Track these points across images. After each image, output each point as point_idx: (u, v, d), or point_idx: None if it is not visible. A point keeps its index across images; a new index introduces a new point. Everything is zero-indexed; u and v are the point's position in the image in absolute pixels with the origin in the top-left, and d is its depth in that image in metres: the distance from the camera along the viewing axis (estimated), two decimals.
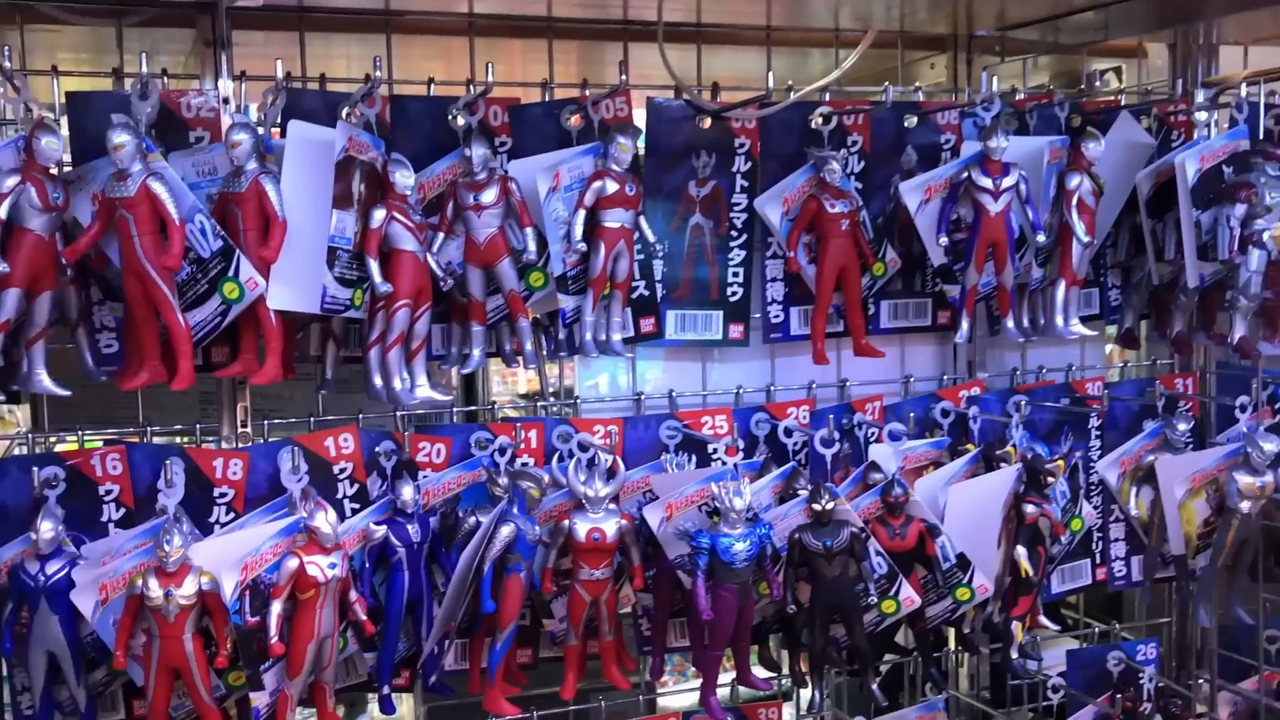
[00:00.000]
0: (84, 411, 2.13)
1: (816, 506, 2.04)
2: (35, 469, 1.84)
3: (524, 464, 2.09)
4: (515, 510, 1.98)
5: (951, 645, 2.53)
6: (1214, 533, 2.40)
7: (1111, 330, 2.58)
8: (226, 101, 1.91)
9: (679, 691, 2.58)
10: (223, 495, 1.94)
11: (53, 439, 2.02)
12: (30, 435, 1.95)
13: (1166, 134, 2.46)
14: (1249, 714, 2.59)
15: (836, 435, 2.17)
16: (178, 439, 2.09)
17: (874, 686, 2.13)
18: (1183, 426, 2.44)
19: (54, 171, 1.73)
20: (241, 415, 2.01)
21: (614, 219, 2.01)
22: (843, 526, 2.05)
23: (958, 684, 2.61)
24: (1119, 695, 2.46)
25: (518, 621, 2.01)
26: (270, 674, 1.83)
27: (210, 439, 2.02)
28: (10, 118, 1.82)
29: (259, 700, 1.82)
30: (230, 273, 1.76)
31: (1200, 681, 2.59)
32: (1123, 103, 2.50)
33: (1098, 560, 2.56)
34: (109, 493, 1.91)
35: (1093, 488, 2.52)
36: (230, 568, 1.76)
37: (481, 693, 2.09)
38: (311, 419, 2.06)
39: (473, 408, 2.37)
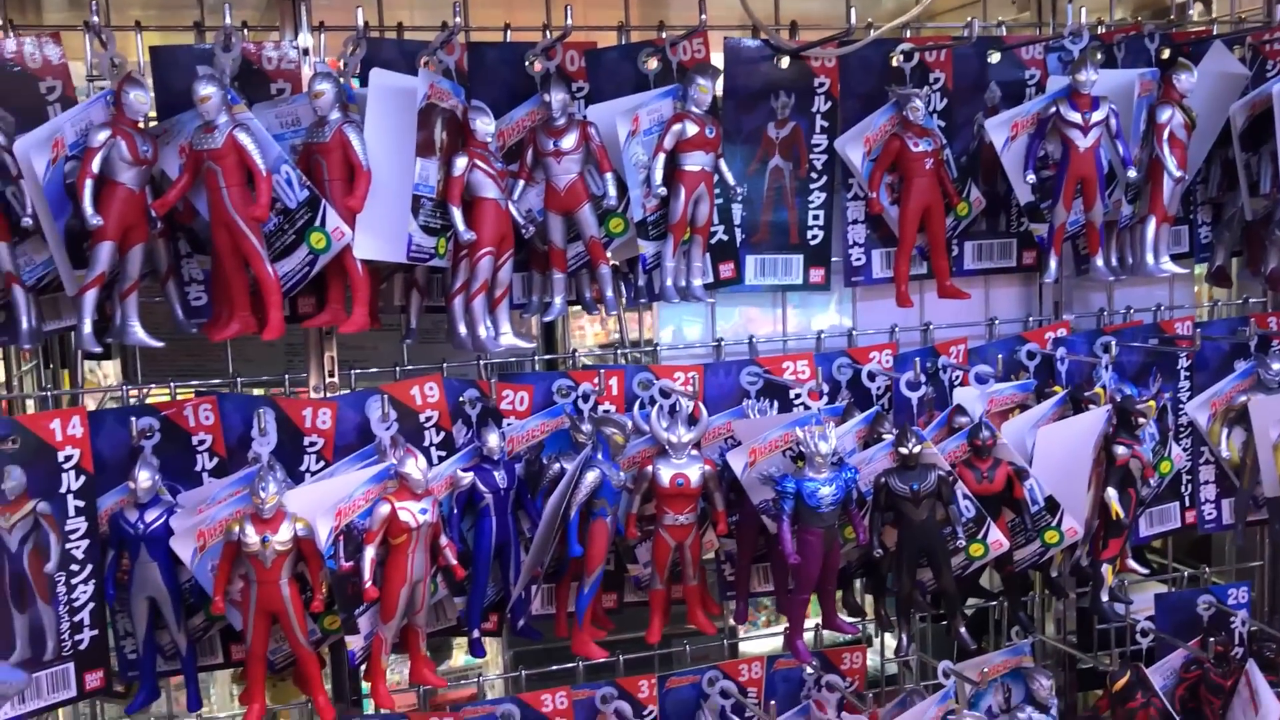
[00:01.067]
0: (171, 364, 2.17)
1: (903, 450, 2.02)
2: (132, 420, 1.88)
3: (605, 411, 2.09)
4: (600, 456, 1.98)
5: (1038, 589, 2.50)
6: None
7: (1202, 268, 2.52)
8: (306, 52, 1.91)
9: (760, 636, 2.58)
10: (312, 444, 1.97)
11: (146, 391, 2.05)
12: (124, 388, 1.98)
13: (1261, 64, 2.38)
14: None
15: (923, 378, 2.14)
16: (265, 390, 2.13)
17: (961, 630, 2.11)
18: (1277, 366, 2.37)
19: (141, 125, 1.74)
20: (329, 365, 2.03)
21: (694, 162, 1.99)
22: (930, 470, 2.03)
23: (1044, 628, 2.58)
24: (1210, 639, 2.42)
25: (604, 566, 2.01)
26: (364, 618, 1.85)
27: (298, 390, 2.05)
28: (97, 73, 1.82)
29: (354, 644, 1.85)
30: (317, 223, 1.77)
31: None
32: (1215, 32, 2.42)
33: (1187, 503, 2.52)
34: (202, 442, 1.94)
35: (1182, 429, 2.47)
36: (324, 514, 1.78)
37: (568, 636, 2.11)
38: (397, 368, 2.08)
39: (553, 356, 2.37)
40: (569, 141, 1.93)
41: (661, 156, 1.97)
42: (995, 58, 2.26)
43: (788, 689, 2.30)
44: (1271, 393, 2.37)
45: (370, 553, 1.81)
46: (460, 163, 1.84)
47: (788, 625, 2.13)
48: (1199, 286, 2.69)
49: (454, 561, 1.90)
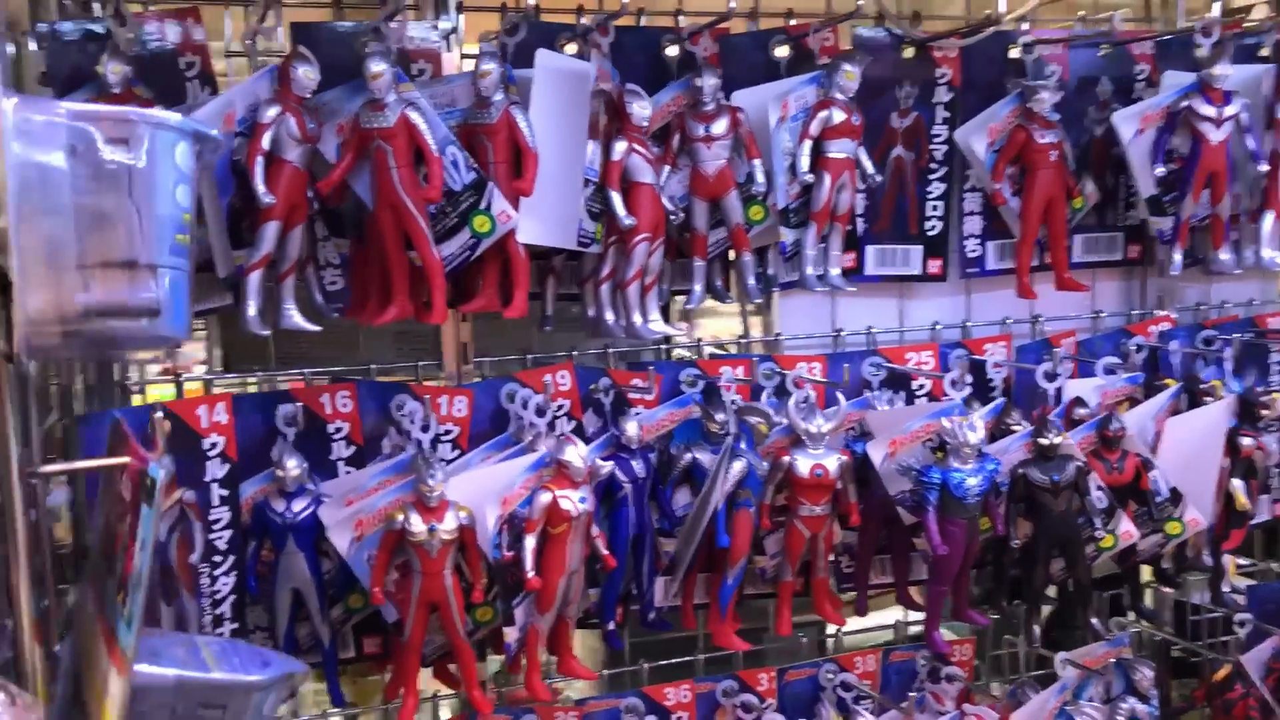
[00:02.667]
0: (261, 353, 2.11)
1: (1043, 441, 2.02)
2: (278, 407, 1.82)
3: (732, 402, 2.07)
4: (744, 446, 1.96)
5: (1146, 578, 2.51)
6: None
7: None
8: (454, 31, 1.87)
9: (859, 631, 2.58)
10: (448, 432, 1.93)
11: (277, 378, 2.00)
12: (259, 374, 1.93)
13: None
14: None
15: (1062, 370, 2.15)
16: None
17: (1094, 620, 2.12)
18: None
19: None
20: (463, 353, 1.99)
21: (839, 149, 1.97)
22: (1068, 461, 2.03)
23: (1138, 619, 2.60)
24: None
25: (748, 557, 1.99)
26: (519, 610, 1.82)
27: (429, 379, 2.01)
28: (256, 47, 1.77)
29: (511, 635, 1.81)
30: (482, 206, 1.73)
31: None
32: None
33: (1276, 496, 2.54)
34: (339, 431, 1.90)
35: (1271, 426, 2.49)
36: (491, 501, 1.74)
37: (694, 629, 2.09)
38: (529, 357, 2.04)
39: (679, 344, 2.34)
40: (720, 127, 1.91)
41: (808, 143, 1.95)
42: (1107, 52, 2.27)
43: (900, 681, 2.29)
44: None
45: (531, 542, 1.77)
46: (620, 147, 1.81)
47: (924, 618, 2.12)
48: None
49: (605, 551, 1.87)
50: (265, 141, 1.62)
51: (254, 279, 1.66)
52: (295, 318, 1.73)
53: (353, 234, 1.84)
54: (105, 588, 1.02)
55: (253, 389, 2.03)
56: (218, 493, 1.79)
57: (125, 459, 0.98)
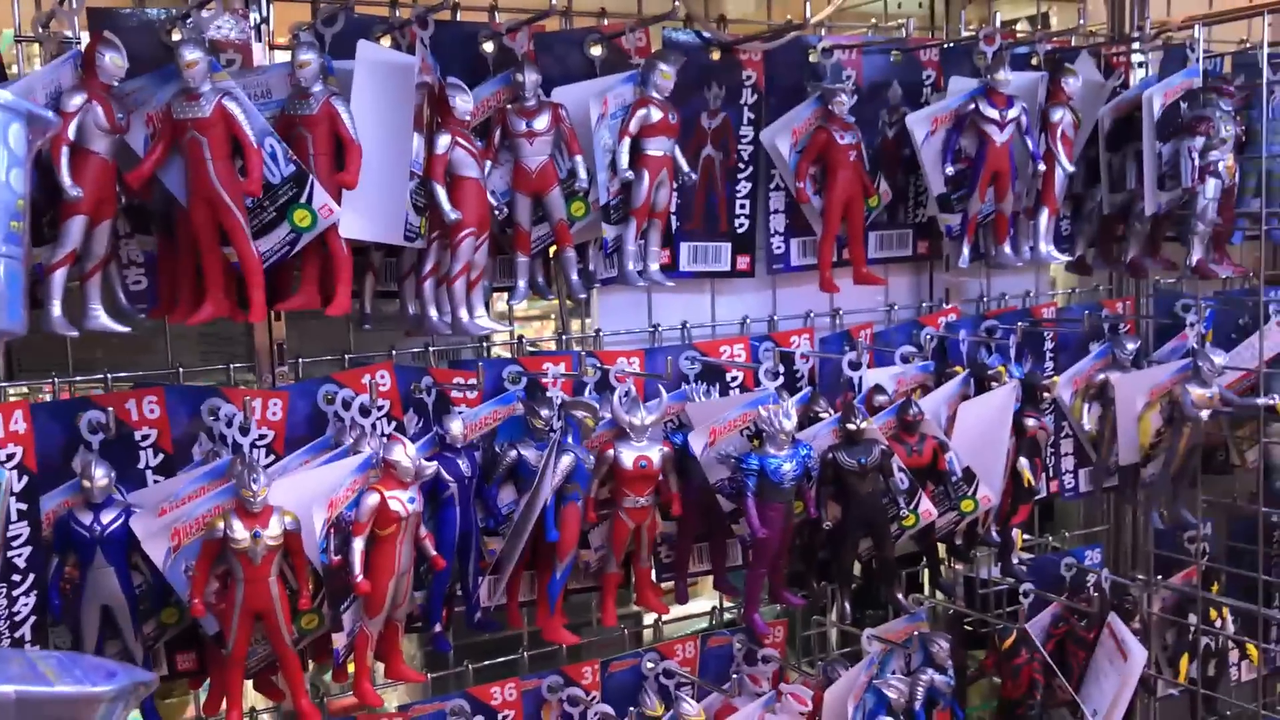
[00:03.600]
0: (51, 359, 1.99)
1: (850, 426, 2.12)
2: (80, 414, 1.72)
3: (550, 397, 2.08)
4: (571, 440, 1.97)
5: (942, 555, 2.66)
6: (1163, 441, 2.62)
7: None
8: (265, 21, 1.81)
9: (677, 620, 2.64)
10: (263, 437, 1.87)
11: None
12: (55, 380, 1.81)
13: (1108, 73, 2.64)
14: (1174, 606, 2.84)
15: (864, 359, 2.25)
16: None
17: (899, 595, 2.24)
18: (1130, 346, 2.64)
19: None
20: (277, 354, 1.93)
21: (657, 147, 2.02)
22: (874, 445, 2.14)
23: (934, 594, 2.77)
24: (1072, 597, 2.66)
25: (575, 551, 2.01)
26: (346, 615, 1.77)
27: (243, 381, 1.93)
28: (59, 32, 1.66)
29: (339, 641, 1.76)
30: (303, 199, 1.68)
31: (1137, 579, 2.82)
32: (1073, 43, 2.66)
33: (1051, 474, 2.75)
34: (146, 438, 1.81)
35: (1047, 406, 2.70)
36: (318, 505, 1.70)
37: (520, 626, 2.10)
38: (346, 356, 1.99)
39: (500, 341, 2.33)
40: (542, 123, 1.92)
41: (627, 140, 1.99)
42: (897, 58, 2.41)
43: (718, 666, 2.36)
44: (1128, 370, 2.62)
45: (360, 545, 1.73)
46: (443, 140, 1.79)
47: (744, 602, 2.19)
48: (1055, 274, 2.94)
49: (434, 552, 1.85)
50: (71, 131, 1.52)
51: (57, 278, 1.56)
52: (102, 318, 1.63)
53: (160, 230, 1.76)
54: None
55: (46, 398, 1.90)
56: (15, 507, 1.67)
57: None
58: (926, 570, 2.50)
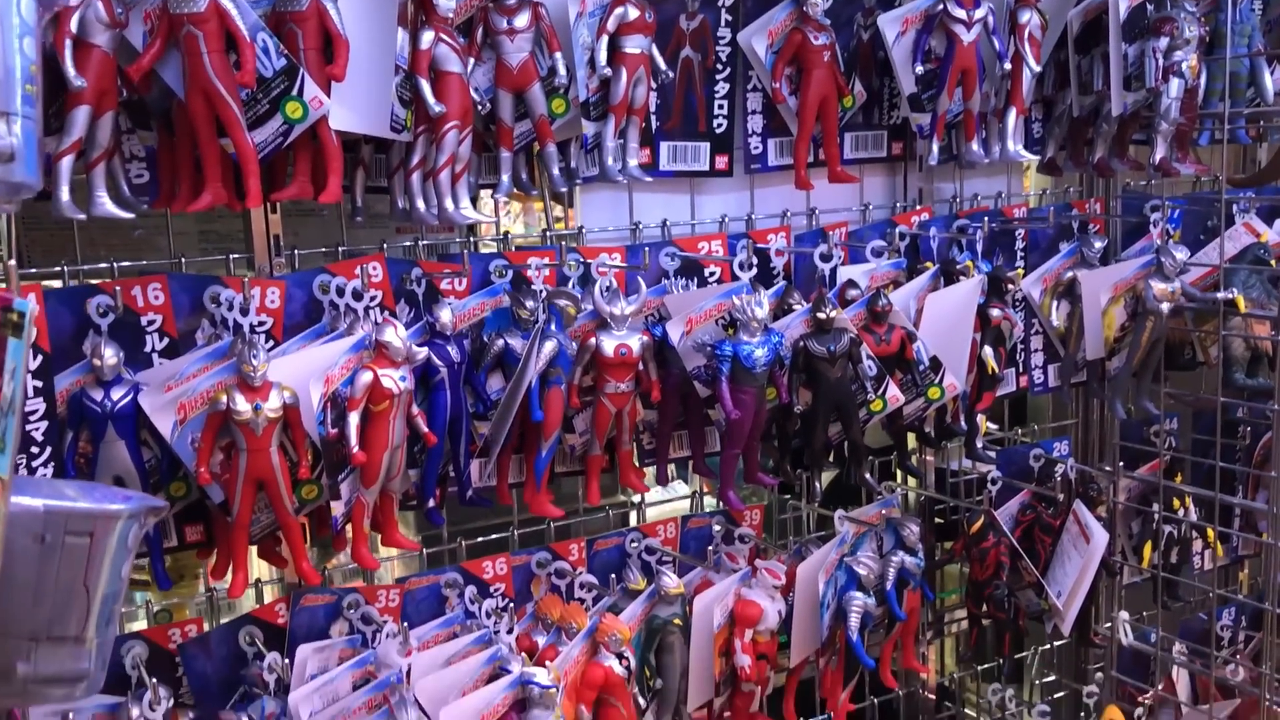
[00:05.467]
0: (59, 255, 2.09)
1: (820, 315, 2.23)
2: (88, 299, 1.83)
3: (535, 289, 2.18)
4: (554, 328, 2.08)
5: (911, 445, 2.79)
6: (1127, 336, 2.73)
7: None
8: None
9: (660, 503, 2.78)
10: (262, 324, 1.97)
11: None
12: (64, 268, 1.91)
13: None
14: (1139, 495, 2.97)
15: (836, 251, 2.36)
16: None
17: (867, 476, 2.37)
18: (1098, 244, 2.73)
19: None
20: (274, 245, 2.03)
21: (634, 45, 2.10)
22: (842, 334, 2.25)
23: (905, 480, 2.90)
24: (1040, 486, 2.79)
25: (559, 431, 2.13)
26: (345, 484, 1.90)
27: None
28: None
29: (337, 509, 1.89)
30: (294, 92, 1.77)
31: (1104, 470, 2.94)
32: None
33: (1020, 370, 2.87)
34: (151, 323, 1.91)
35: (1017, 303, 2.80)
36: (315, 379, 1.81)
37: (510, 504, 2.23)
38: (339, 249, 2.09)
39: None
40: (522, 20, 2.00)
41: (605, 38, 2.07)
42: None
43: (698, 546, 2.49)
44: (1094, 268, 2.73)
45: (355, 419, 1.85)
46: (427, 36, 1.87)
47: (719, 481, 2.31)
48: (1027, 177, 3.03)
49: (425, 429, 1.96)
50: (73, 24, 1.61)
51: (65, 164, 1.65)
52: (108, 205, 1.73)
53: (159, 124, 1.85)
54: None
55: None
56: (31, 384, 1.78)
57: None
58: (896, 458, 2.62)
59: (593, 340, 2.14)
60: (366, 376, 1.86)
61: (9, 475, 0.94)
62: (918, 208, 2.67)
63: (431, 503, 2.10)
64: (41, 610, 1.04)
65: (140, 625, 2.17)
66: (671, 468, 2.42)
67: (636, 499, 2.58)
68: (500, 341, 2.11)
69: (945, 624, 3.00)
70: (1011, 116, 2.49)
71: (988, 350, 2.44)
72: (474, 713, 1.96)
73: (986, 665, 3.00)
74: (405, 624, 2.04)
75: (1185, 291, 2.63)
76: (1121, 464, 2.84)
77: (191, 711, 1.92)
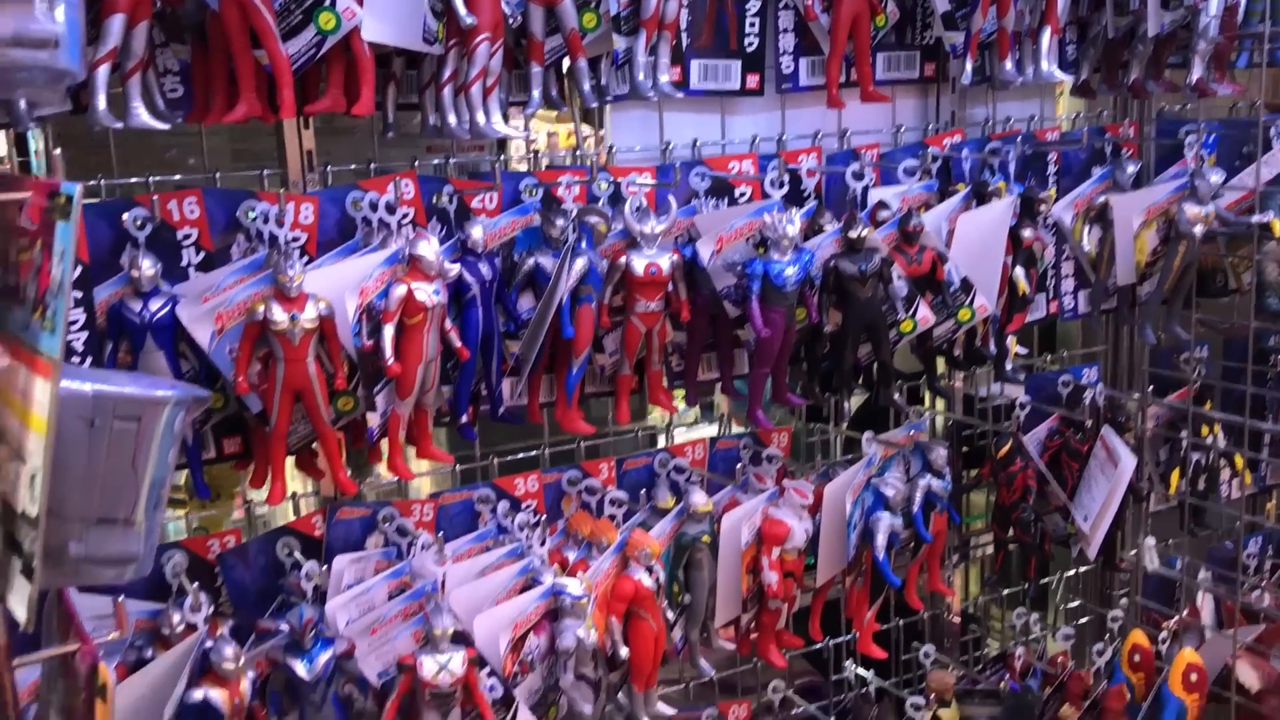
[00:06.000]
0: (95, 170, 2.10)
1: (852, 234, 2.22)
2: (124, 213, 1.85)
3: (565, 208, 2.19)
4: (585, 245, 2.09)
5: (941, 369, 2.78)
6: (1159, 261, 2.71)
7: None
8: None
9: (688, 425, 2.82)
10: (295, 239, 1.99)
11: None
12: (102, 181, 1.93)
13: None
14: (1168, 422, 2.97)
15: (868, 171, 2.35)
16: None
17: (896, 396, 2.37)
18: (1131, 169, 2.71)
19: None
20: (307, 161, 2.04)
21: None
22: (873, 253, 2.24)
23: (935, 405, 2.90)
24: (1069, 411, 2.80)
25: (590, 349, 2.14)
26: (380, 396, 1.92)
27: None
28: None
29: (373, 420, 1.92)
30: (327, 2, 1.77)
31: (1133, 396, 2.94)
32: None
33: (1050, 295, 2.85)
34: (188, 237, 1.93)
35: (1048, 228, 2.79)
36: (350, 291, 1.83)
37: (540, 422, 2.25)
38: (371, 166, 2.10)
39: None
40: None
41: None
42: None
43: (726, 467, 2.52)
44: (1127, 191, 2.70)
45: (389, 331, 1.87)
46: None
47: (747, 400, 2.33)
48: (1061, 101, 3.00)
49: (458, 343, 1.98)
50: None
51: (101, 72, 1.67)
52: (143, 115, 1.75)
53: (193, 37, 1.85)
54: (8, 321, 1.08)
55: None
56: (71, 294, 1.80)
57: (25, 193, 1.04)
58: (925, 380, 2.62)
59: (623, 259, 2.14)
60: (401, 289, 1.87)
61: (60, 356, 0.96)
62: (950, 130, 2.64)
63: (465, 418, 2.12)
64: (92, 493, 1.06)
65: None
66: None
67: (666, 420, 2.60)
68: (531, 260, 2.12)
69: (971, 548, 3.02)
70: (1046, 36, 2.46)
71: (1019, 271, 2.43)
72: (507, 621, 2.00)
73: (1011, 590, 3.02)
74: (440, 534, 2.08)
75: (1219, 215, 2.61)
76: (1151, 388, 2.83)
77: (230, 620, 1.96)
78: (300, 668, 1.87)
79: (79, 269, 1.81)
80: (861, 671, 2.72)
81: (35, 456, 0.99)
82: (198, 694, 1.78)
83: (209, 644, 1.82)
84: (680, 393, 2.42)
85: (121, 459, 1.07)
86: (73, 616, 1.14)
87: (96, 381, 1.05)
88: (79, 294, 1.81)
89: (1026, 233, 2.43)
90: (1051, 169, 2.75)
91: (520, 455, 2.37)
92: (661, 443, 2.57)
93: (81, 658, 1.08)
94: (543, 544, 2.19)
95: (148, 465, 1.09)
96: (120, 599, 1.14)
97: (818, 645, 2.67)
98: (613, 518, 2.33)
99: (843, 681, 2.81)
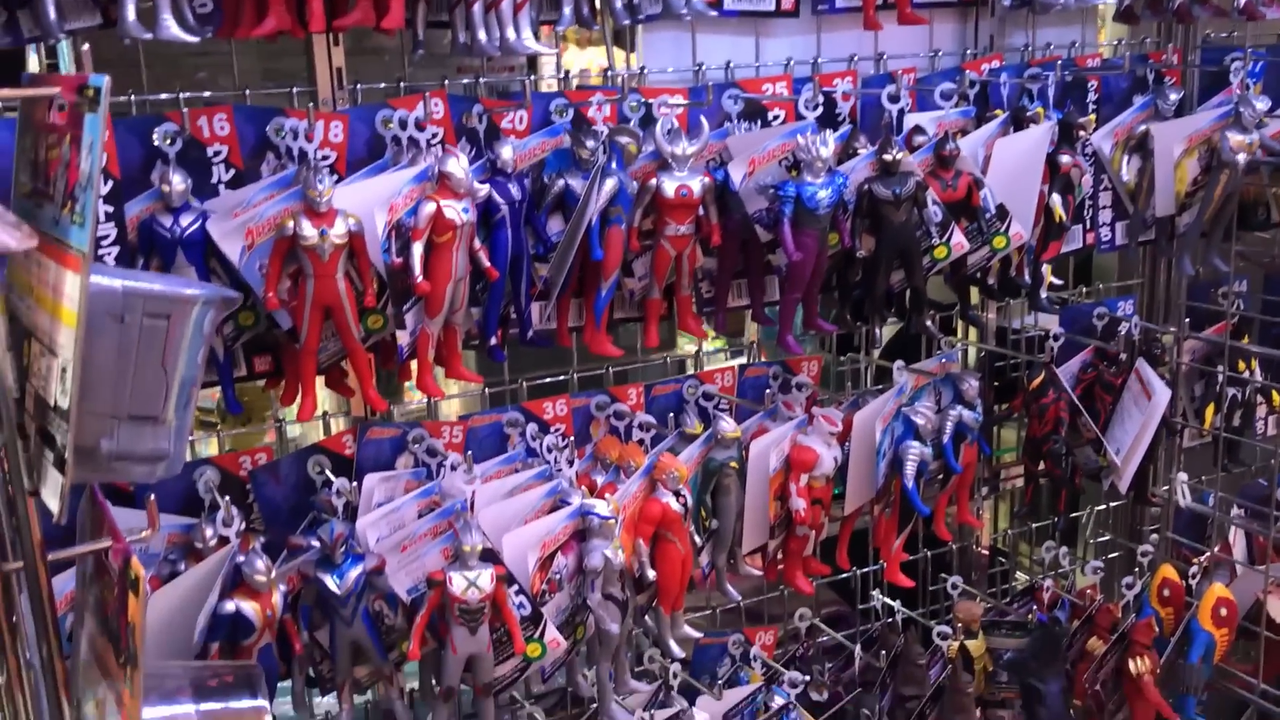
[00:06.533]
0: (125, 87, 2.09)
1: (887, 157, 2.19)
2: (154, 129, 1.84)
3: (596, 130, 2.16)
4: (615, 165, 2.07)
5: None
6: (1199, 192, 2.66)
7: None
8: None
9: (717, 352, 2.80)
10: (325, 158, 1.98)
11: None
12: (132, 96, 1.93)
13: None
14: (1204, 357, 2.93)
15: (904, 94, 2.31)
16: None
17: (928, 323, 2.35)
18: (1173, 97, 2.65)
19: None
20: (336, 79, 2.03)
21: None
22: (908, 176, 2.21)
23: (968, 335, 2.88)
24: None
25: (619, 272, 2.13)
26: (409, 315, 1.92)
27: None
28: None
29: (402, 338, 1.92)
30: None
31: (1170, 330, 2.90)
32: None
33: (1087, 226, 2.81)
34: (218, 154, 1.93)
35: (1087, 157, 2.74)
36: (379, 207, 1.82)
37: (569, 346, 2.25)
38: (401, 84, 2.09)
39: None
40: None
41: None
42: None
43: (755, 394, 2.51)
44: (1168, 120, 2.65)
45: (418, 248, 1.87)
46: None
47: (778, 325, 2.31)
48: (1103, 27, 2.94)
49: (487, 263, 1.98)
50: None
51: None
52: (173, 28, 1.73)
53: None
54: (38, 219, 1.08)
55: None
56: (102, 208, 1.81)
57: (53, 89, 1.04)
58: (958, 309, 2.60)
59: (653, 181, 2.12)
60: (430, 207, 1.86)
61: (90, 250, 0.96)
62: (988, 55, 2.59)
63: (493, 341, 2.12)
64: (122, 389, 1.07)
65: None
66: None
67: (697, 346, 2.58)
68: (561, 182, 2.10)
69: (1001, 480, 3.00)
70: None
71: (1056, 198, 2.39)
72: (535, 540, 2.01)
73: (1041, 523, 3.01)
74: (469, 453, 2.08)
75: (1264, 144, 2.55)
76: (1187, 321, 2.80)
77: (262, 536, 1.98)
78: (331, 582, 1.89)
79: (109, 183, 1.81)
80: (888, 601, 2.73)
81: (66, 350, 1.00)
82: (229, 605, 1.80)
83: (240, 558, 1.84)
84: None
85: (151, 356, 1.08)
86: (106, 516, 1.15)
87: (126, 278, 1.05)
88: (109, 208, 1.81)
89: (1064, 158, 2.38)
90: (1091, 96, 2.69)
91: (549, 379, 2.37)
92: (690, 370, 2.56)
93: (114, 554, 1.09)
94: (570, 464, 2.19)
95: (178, 364, 1.09)
96: (151, 497, 1.14)
97: (845, 574, 2.67)
98: (641, 443, 2.33)
99: (869, 611, 2.82)
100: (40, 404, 1.05)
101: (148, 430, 1.09)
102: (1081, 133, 2.40)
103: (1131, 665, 2.58)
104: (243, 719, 1.16)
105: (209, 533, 1.89)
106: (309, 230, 1.78)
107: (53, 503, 1.02)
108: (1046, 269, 2.50)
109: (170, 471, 1.12)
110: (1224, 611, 2.66)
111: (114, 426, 1.08)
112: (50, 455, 1.03)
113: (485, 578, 1.91)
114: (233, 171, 1.93)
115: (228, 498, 1.91)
